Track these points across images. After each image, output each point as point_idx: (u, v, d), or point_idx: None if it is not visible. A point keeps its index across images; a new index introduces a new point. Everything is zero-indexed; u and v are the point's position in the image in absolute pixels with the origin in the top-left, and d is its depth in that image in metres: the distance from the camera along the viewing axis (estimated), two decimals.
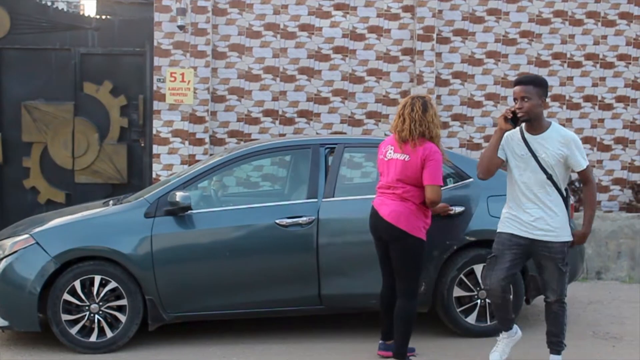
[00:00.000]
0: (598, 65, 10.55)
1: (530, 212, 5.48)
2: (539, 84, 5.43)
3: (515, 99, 5.44)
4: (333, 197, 6.50)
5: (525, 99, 5.35)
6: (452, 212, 6.49)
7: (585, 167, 5.40)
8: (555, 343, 5.70)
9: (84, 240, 6.36)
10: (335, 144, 6.75)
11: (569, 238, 5.51)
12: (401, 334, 5.90)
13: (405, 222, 5.76)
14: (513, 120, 5.37)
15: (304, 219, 6.42)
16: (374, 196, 6.37)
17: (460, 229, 6.65)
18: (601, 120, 10.58)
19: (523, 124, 5.50)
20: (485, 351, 6.31)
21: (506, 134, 5.52)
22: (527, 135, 5.47)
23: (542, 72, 10.46)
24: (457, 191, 6.78)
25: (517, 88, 5.43)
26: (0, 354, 6.36)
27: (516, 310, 6.75)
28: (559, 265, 5.51)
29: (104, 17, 10.49)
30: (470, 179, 6.80)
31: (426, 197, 5.74)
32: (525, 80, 5.46)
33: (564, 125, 10.38)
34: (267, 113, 10.30)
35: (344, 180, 7.43)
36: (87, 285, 6.28)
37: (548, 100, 10.21)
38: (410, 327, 5.92)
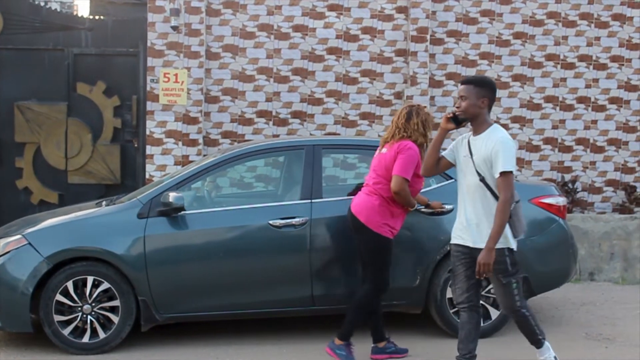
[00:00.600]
0: (591, 67, 10.57)
1: (469, 217, 5.27)
2: (480, 85, 5.26)
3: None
4: (321, 197, 6.53)
5: (464, 98, 5.23)
6: (444, 210, 6.49)
7: (501, 172, 5.05)
8: (535, 341, 5.52)
9: (76, 240, 6.34)
10: (329, 145, 6.75)
11: (507, 245, 5.17)
12: (348, 322, 6.01)
13: (365, 215, 5.93)
14: (454, 120, 5.29)
15: (298, 220, 6.42)
16: None
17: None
18: (594, 122, 10.60)
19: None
20: (478, 353, 6.31)
21: (459, 137, 5.44)
22: (470, 136, 5.36)
23: (536, 74, 10.49)
24: (444, 190, 6.78)
25: (459, 87, 5.37)
26: None
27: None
28: (499, 276, 5.21)
29: (97, 17, 10.47)
30: (452, 180, 6.82)
31: (391, 187, 5.87)
32: (466, 80, 5.34)
33: (557, 127, 10.42)
34: (261, 114, 10.30)
35: (337, 181, 7.44)
36: (79, 286, 6.27)
37: (541, 101, 10.38)
38: (358, 317, 6.04)
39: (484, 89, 5.25)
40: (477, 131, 5.28)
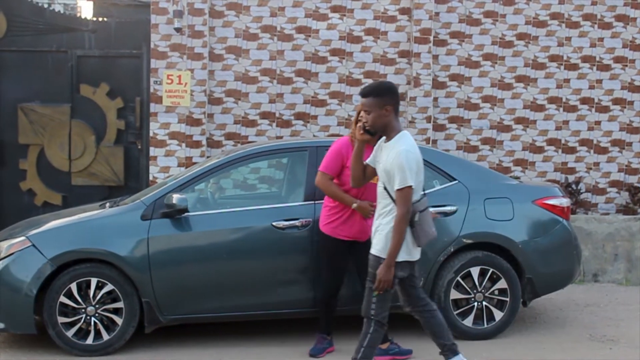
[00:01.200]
0: (595, 68, 10.56)
1: (375, 222, 5.28)
2: (378, 94, 5.15)
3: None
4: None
5: (367, 112, 5.16)
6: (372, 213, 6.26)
7: (397, 189, 5.00)
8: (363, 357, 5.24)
9: (80, 242, 6.35)
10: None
11: (400, 258, 5.07)
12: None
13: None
14: (368, 131, 5.22)
15: (301, 221, 6.42)
16: None
17: (456, 232, 6.65)
18: (598, 123, 10.58)
19: None
20: (482, 354, 6.32)
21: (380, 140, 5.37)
22: (382, 142, 5.30)
23: (539, 75, 10.48)
24: (448, 192, 6.79)
25: (360, 100, 5.27)
26: None
27: (513, 312, 6.76)
28: (369, 279, 5.18)
29: (100, 19, 10.48)
30: (456, 181, 6.83)
31: None
32: (365, 93, 5.21)
33: (560, 128, 10.41)
34: (264, 115, 10.29)
35: None
36: (83, 288, 6.28)
37: (544, 102, 10.36)
38: (320, 313, 6.35)
39: (385, 97, 5.15)
40: (387, 138, 5.22)
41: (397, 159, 4.99)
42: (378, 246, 5.14)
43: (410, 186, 4.97)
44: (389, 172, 5.05)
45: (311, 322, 6.93)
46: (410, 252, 5.15)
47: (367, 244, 5.44)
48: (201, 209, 6.77)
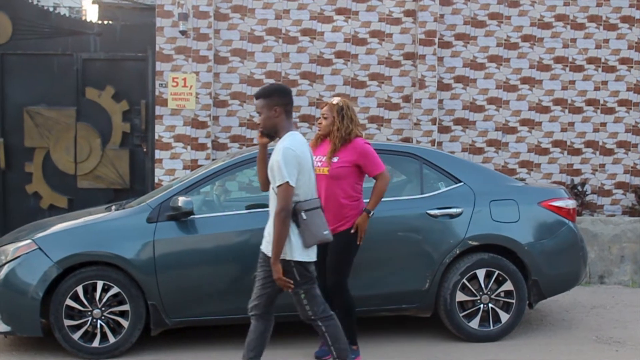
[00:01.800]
0: (600, 69, 10.55)
1: (268, 223, 5.27)
2: (267, 96, 5.26)
3: None
4: None
5: (260, 113, 5.29)
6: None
7: (276, 186, 5.06)
8: (338, 353, 5.29)
9: (86, 245, 6.36)
10: None
11: (292, 257, 5.10)
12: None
13: None
14: (266, 134, 5.33)
15: None
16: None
17: (462, 234, 6.65)
18: (603, 124, 10.57)
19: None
20: (488, 356, 6.31)
21: None
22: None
23: (544, 76, 10.47)
24: (453, 194, 6.79)
25: (254, 102, 5.38)
26: (3, 359, 6.35)
27: (519, 314, 6.75)
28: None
29: (105, 22, 10.50)
30: (461, 183, 6.83)
31: None
32: (256, 95, 5.33)
33: (566, 129, 10.40)
34: None
35: None
36: (89, 291, 6.28)
37: (550, 104, 10.35)
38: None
39: (274, 98, 5.24)
40: (278, 138, 5.29)
41: (276, 156, 5.06)
42: (270, 246, 5.16)
43: (288, 183, 5.00)
44: (272, 169, 5.12)
45: None
46: (306, 252, 5.15)
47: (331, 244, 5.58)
48: (207, 212, 6.76)
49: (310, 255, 5.19)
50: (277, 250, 5.03)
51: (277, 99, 5.25)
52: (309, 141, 5.68)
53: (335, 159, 5.99)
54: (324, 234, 5.19)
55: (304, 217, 5.09)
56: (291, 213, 5.04)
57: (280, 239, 5.02)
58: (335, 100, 6.18)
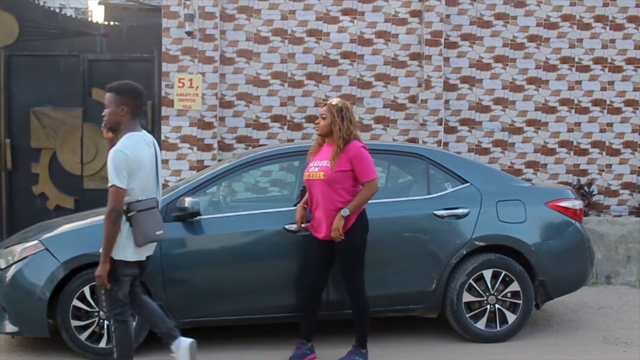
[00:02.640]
0: (606, 69, 10.53)
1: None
2: (119, 92, 5.31)
3: None
4: None
5: (107, 107, 5.32)
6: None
7: (108, 186, 5.10)
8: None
9: (93, 246, 6.30)
10: None
11: (119, 257, 5.15)
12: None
13: None
14: (108, 127, 5.36)
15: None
16: (382, 201, 6.47)
17: (468, 234, 6.64)
18: (610, 125, 10.55)
19: None
20: (494, 357, 6.30)
21: None
22: None
23: (551, 77, 10.46)
24: (460, 194, 6.79)
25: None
26: (10, 359, 6.37)
27: (525, 315, 6.74)
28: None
29: (112, 23, 10.52)
30: (468, 184, 6.83)
31: None
32: (108, 88, 5.38)
33: (572, 129, 10.38)
34: (275, 118, 10.31)
35: None
36: (95, 291, 6.28)
37: (556, 104, 10.33)
38: (300, 318, 6.30)
39: (124, 97, 5.29)
40: (119, 139, 5.32)
41: (108, 158, 5.14)
42: (116, 249, 5.19)
43: (116, 185, 5.06)
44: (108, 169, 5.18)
45: (322, 325, 6.92)
46: (134, 252, 5.21)
47: (337, 247, 5.89)
48: (213, 213, 6.75)
49: (140, 255, 5.27)
50: (107, 249, 5.10)
51: (127, 99, 5.30)
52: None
53: (326, 163, 6.00)
54: (156, 233, 5.27)
55: (136, 217, 5.15)
56: (122, 213, 5.11)
57: (110, 239, 5.08)
58: (335, 100, 6.15)
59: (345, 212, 5.87)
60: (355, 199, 5.92)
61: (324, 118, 6.07)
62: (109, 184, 5.08)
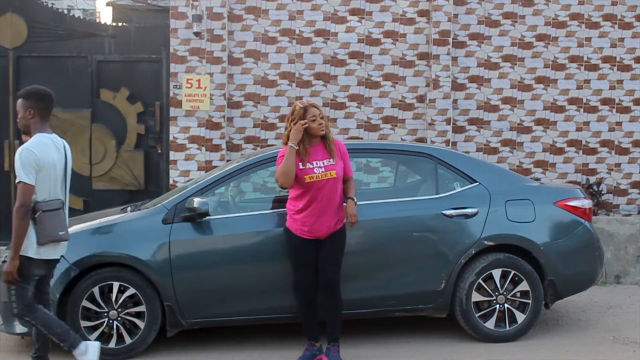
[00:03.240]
0: (615, 68, 10.50)
1: None
2: (25, 97, 5.52)
3: None
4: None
5: (18, 112, 5.55)
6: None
7: (17, 182, 5.28)
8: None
9: (102, 246, 6.39)
10: (352, 149, 6.71)
11: (22, 252, 5.28)
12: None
13: None
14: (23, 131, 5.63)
15: None
16: (391, 201, 6.49)
17: (477, 234, 6.63)
18: (619, 123, 10.52)
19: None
20: (504, 357, 6.29)
21: None
22: None
23: (559, 76, 10.44)
24: (468, 194, 6.78)
25: None
26: (20, 359, 6.39)
27: (535, 315, 6.73)
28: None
29: (120, 24, 10.54)
30: (477, 183, 6.82)
31: None
32: (18, 94, 5.64)
33: (581, 129, 10.36)
34: (284, 119, 10.28)
35: (360, 185, 7.41)
36: (105, 292, 6.30)
37: (564, 103, 10.31)
38: (302, 319, 6.28)
39: (29, 101, 5.51)
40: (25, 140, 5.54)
41: (16, 155, 5.31)
42: (24, 245, 5.32)
43: (24, 182, 5.22)
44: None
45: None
46: (38, 250, 5.34)
47: (328, 241, 5.98)
48: (222, 213, 6.76)
49: (44, 254, 5.39)
50: (17, 245, 5.25)
51: (32, 102, 5.51)
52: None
53: (332, 161, 6.05)
54: (59, 234, 5.43)
55: (41, 216, 5.30)
56: (30, 209, 5.26)
57: (19, 235, 5.22)
58: (312, 102, 6.20)
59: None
60: (353, 188, 6.16)
61: (322, 118, 6.07)
62: (17, 181, 5.26)
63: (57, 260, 5.61)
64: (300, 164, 6.01)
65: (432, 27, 10.25)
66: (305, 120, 5.99)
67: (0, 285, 6.43)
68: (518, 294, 6.69)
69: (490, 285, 6.66)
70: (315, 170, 6.01)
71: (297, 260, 6.18)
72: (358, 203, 6.26)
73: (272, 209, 6.81)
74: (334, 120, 10.30)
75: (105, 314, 6.30)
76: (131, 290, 6.30)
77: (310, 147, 6.07)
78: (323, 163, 6.03)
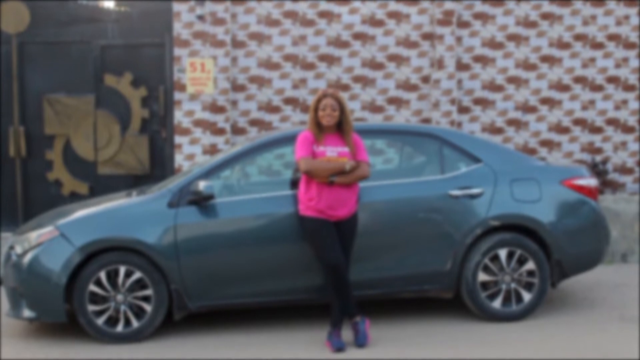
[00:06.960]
0: (620, 46, 10.43)
1: None
2: None
3: None
4: None
5: None
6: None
7: None
8: None
9: (108, 231, 6.40)
10: (357, 130, 6.69)
11: None
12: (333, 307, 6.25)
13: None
14: None
15: None
16: (396, 182, 6.49)
17: (483, 214, 6.62)
18: (624, 102, 10.47)
19: None
20: (511, 335, 6.30)
21: None
22: None
23: (564, 54, 10.38)
24: (474, 174, 6.79)
25: None
26: (28, 344, 6.41)
27: (541, 294, 6.73)
28: None
29: (122, 9, 10.51)
30: (482, 163, 6.81)
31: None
32: None
33: (586, 107, 10.32)
34: (288, 101, 10.29)
35: None
36: (112, 276, 6.32)
37: (570, 82, 10.24)
38: (335, 299, 6.19)
39: None
40: None
41: None
42: None
43: None
44: None
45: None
46: None
47: (348, 222, 6.09)
48: (227, 196, 6.76)
49: None
50: None
51: None
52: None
53: (347, 149, 6.15)
54: None
55: None
56: None
57: None
58: (334, 91, 6.24)
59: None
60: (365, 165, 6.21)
61: (334, 110, 6.09)
62: None
63: None
64: (314, 145, 6.12)
65: (435, 7, 10.19)
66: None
67: (7, 271, 6.48)
68: (524, 274, 6.70)
69: (496, 265, 6.66)
70: (327, 152, 6.09)
71: (323, 244, 6.09)
72: (362, 185, 6.27)
73: (277, 190, 6.80)
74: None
75: (112, 298, 6.32)
76: (138, 274, 6.32)
77: (324, 135, 6.17)
78: (337, 149, 6.12)
